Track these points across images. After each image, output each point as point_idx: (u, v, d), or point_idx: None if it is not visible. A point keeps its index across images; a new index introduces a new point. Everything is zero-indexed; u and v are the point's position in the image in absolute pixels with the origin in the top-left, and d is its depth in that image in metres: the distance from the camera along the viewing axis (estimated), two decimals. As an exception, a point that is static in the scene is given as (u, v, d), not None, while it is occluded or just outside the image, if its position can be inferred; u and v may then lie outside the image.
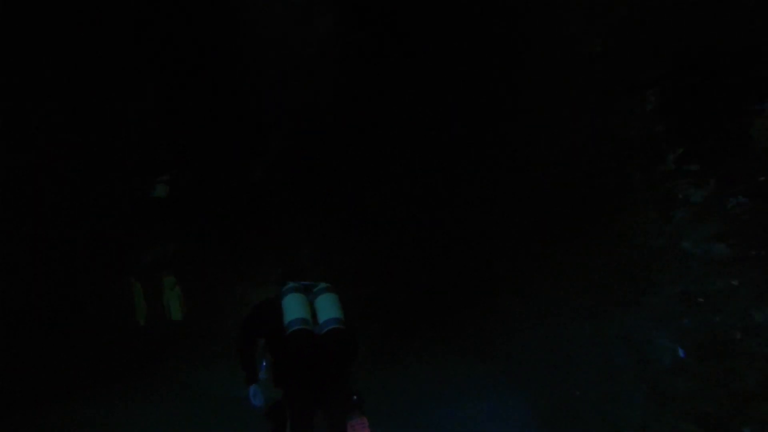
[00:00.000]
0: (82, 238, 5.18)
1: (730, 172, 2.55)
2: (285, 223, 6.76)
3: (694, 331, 2.46)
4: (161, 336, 5.89)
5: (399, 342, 6.16)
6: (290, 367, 2.65)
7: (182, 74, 5.91)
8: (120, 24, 5.31)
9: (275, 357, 2.72)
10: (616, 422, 2.86)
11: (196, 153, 6.23)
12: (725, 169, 2.57)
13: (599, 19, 3.63)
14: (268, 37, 6.10)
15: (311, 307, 2.74)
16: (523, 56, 4.63)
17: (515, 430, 3.65)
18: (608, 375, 3.08)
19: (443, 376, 4.85)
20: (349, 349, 2.72)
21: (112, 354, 5.31)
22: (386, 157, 6.74)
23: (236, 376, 2.98)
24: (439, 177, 6.03)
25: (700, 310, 2.45)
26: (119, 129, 5.51)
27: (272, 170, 6.68)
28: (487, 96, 5.25)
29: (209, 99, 6.28)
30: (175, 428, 3.97)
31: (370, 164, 6.88)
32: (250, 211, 6.49)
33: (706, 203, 2.59)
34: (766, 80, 2.57)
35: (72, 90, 5.03)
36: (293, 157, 6.85)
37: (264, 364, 3.00)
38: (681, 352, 2.41)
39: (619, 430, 2.83)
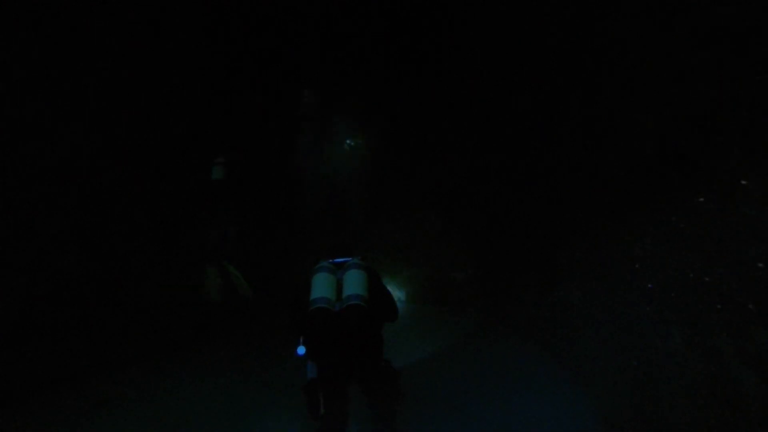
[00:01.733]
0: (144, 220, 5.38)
1: None
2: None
3: None
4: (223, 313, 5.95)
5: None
6: (313, 343, 2.72)
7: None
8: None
9: (302, 333, 2.78)
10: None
11: (247, 134, 6.21)
12: None
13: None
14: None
15: (338, 284, 2.80)
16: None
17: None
18: (723, 400, 2.45)
19: (500, 361, 4.49)
20: (367, 323, 2.68)
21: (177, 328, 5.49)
22: (455, 141, 6.19)
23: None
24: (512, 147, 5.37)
25: None
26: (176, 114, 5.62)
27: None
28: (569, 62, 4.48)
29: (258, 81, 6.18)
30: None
31: (437, 149, 6.35)
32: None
33: None
34: None
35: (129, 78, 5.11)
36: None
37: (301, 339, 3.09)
38: None
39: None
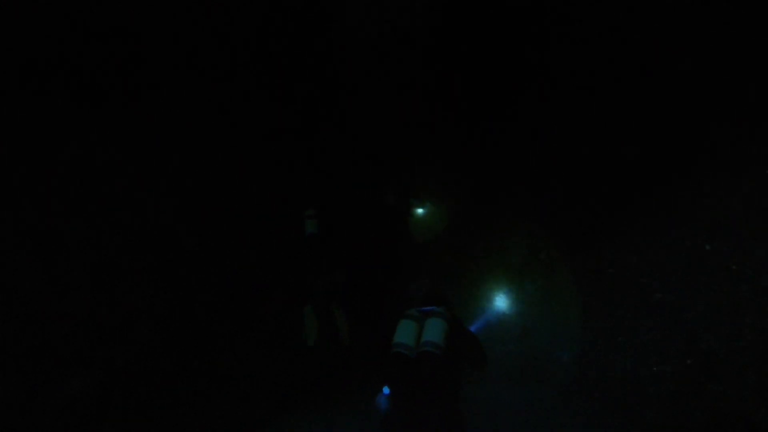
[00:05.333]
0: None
1: None
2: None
3: None
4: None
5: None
6: (389, 384, 2.91)
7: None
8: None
9: (383, 374, 2.99)
10: None
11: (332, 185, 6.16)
12: None
13: None
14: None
15: (420, 331, 2.95)
16: None
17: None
18: None
19: None
20: (439, 370, 2.81)
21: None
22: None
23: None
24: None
25: None
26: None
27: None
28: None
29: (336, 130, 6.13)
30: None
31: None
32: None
33: None
34: None
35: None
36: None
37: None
38: None
39: None
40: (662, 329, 4.26)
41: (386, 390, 2.95)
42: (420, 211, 6.56)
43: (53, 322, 4.00)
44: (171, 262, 4.75)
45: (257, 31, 5.50)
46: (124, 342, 4.32)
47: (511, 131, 5.88)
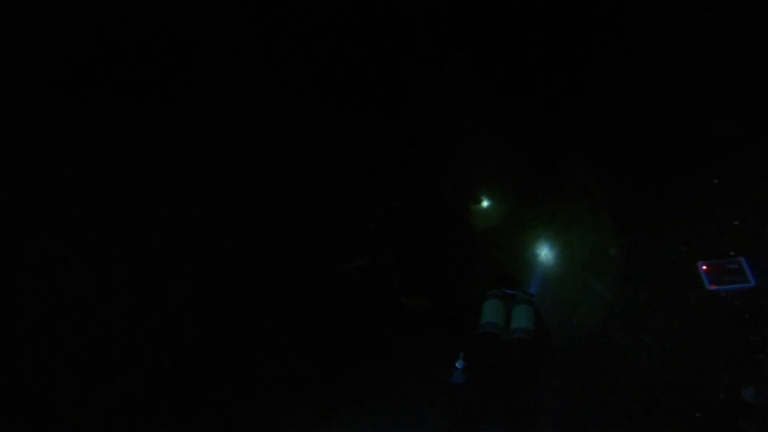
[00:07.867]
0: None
1: None
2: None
3: None
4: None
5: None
6: (477, 361, 2.96)
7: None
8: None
9: (468, 350, 3.04)
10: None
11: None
12: None
13: None
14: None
15: (507, 314, 3.00)
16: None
17: None
18: None
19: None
20: (529, 356, 2.84)
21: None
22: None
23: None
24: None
25: None
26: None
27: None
28: None
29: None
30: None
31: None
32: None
33: None
34: None
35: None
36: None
37: (462, 354, 3.16)
38: None
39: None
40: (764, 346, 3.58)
41: (460, 364, 3.02)
42: (479, 204, 6.20)
43: (101, 323, 4.01)
44: (215, 262, 4.66)
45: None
46: (169, 343, 4.30)
47: (577, 117, 5.19)
